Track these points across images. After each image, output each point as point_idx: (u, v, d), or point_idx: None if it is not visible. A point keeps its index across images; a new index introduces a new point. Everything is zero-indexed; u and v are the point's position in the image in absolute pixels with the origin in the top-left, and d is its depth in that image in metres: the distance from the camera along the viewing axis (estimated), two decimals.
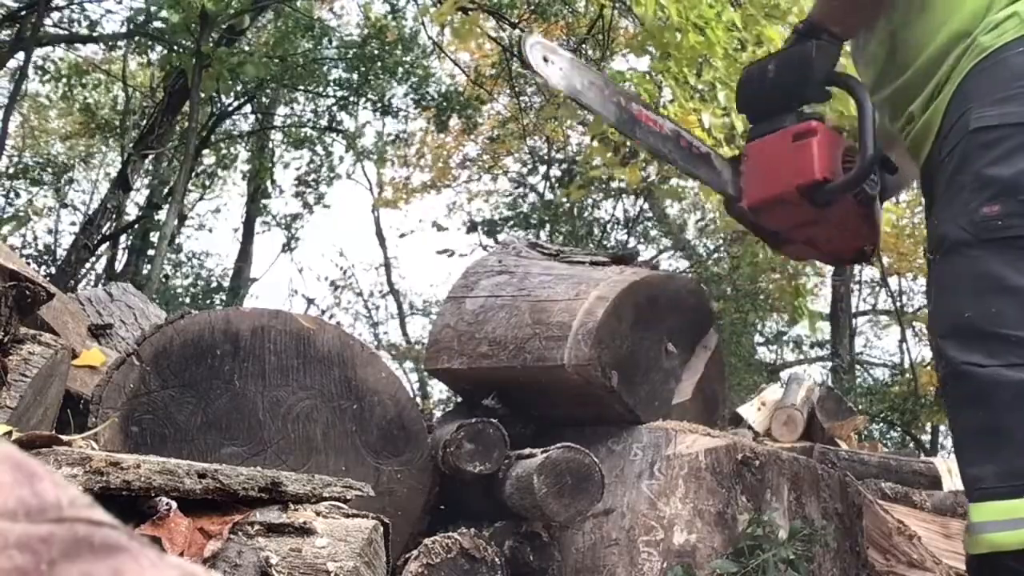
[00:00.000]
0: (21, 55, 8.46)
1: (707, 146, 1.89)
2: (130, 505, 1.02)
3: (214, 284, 13.92)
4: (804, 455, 2.26)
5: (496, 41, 9.80)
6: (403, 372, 14.05)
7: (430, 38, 10.57)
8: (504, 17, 8.64)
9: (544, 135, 12.79)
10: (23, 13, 8.83)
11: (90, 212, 11.13)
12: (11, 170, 11.75)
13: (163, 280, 11.91)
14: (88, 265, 10.80)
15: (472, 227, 14.04)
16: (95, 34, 10.19)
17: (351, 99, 12.18)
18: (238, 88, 10.66)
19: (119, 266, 11.07)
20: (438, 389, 13.01)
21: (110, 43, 10.79)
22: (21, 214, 11.82)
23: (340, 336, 1.75)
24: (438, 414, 2.74)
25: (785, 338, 14.85)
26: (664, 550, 1.67)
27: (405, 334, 16.14)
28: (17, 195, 12.01)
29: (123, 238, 11.04)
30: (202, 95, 8.40)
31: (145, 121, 10.56)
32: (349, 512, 1.14)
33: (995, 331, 1.35)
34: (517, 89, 10.61)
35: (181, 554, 0.98)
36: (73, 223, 13.03)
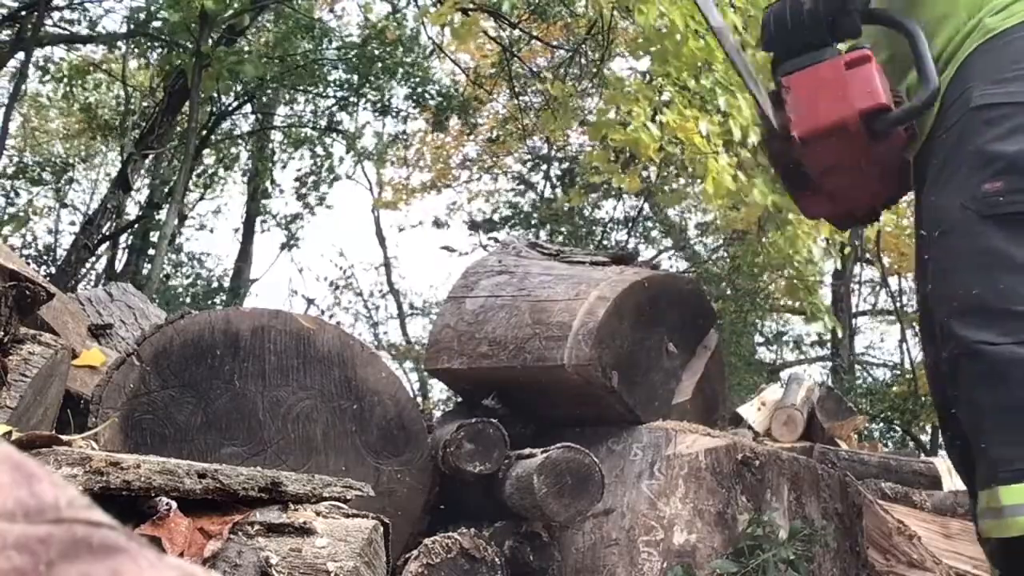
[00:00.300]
0: (21, 55, 8.46)
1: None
2: (130, 505, 1.02)
3: (214, 284, 13.92)
4: (804, 455, 2.26)
5: (496, 41, 9.81)
6: (403, 372, 14.05)
7: (430, 38, 10.58)
8: (503, 17, 8.64)
9: (544, 135, 12.80)
10: (23, 13, 8.83)
11: (90, 212, 11.13)
12: (11, 170, 11.75)
13: (163, 280, 11.91)
14: (88, 265, 10.80)
15: (473, 225, 14.05)
16: (95, 34, 10.20)
17: (351, 99, 12.18)
18: (238, 88, 10.66)
19: (119, 266, 11.07)
20: (438, 389, 13.02)
21: (110, 43, 10.79)
22: (21, 214, 11.82)
23: (340, 336, 1.75)
24: (438, 414, 2.74)
25: (785, 338, 14.85)
26: (664, 550, 1.67)
27: (405, 334, 16.14)
28: (17, 195, 12.02)
29: (123, 238, 11.04)
30: (202, 95, 8.40)
31: (145, 121, 10.56)
32: (349, 512, 1.14)
33: (1007, 308, 1.33)
34: (517, 89, 10.61)
35: (181, 554, 0.98)
36: (73, 223, 13.03)
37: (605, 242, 12.99)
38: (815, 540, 1.71)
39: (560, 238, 12.33)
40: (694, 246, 14.38)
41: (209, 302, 12.64)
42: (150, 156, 10.18)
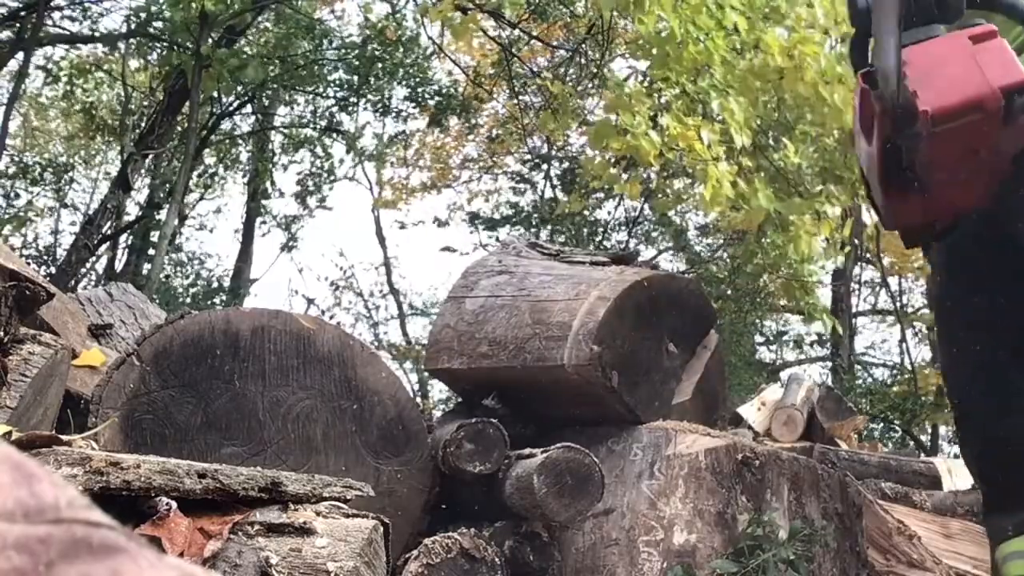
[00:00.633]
0: (21, 55, 8.46)
1: None
2: (130, 505, 1.02)
3: (214, 284, 13.92)
4: (804, 455, 2.26)
5: (495, 41, 9.80)
6: (403, 372, 14.04)
7: (430, 38, 10.58)
8: (503, 17, 8.65)
9: (544, 135, 12.80)
10: (23, 13, 8.83)
11: (90, 212, 11.14)
12: (11, 170, 11.76)
13: (163, 280, 11.92)
14: (88, 265, 10.81)
15: (474, 218, 14.05)
16: (95, 34, 10.20)
17: (351, 100, 12.18)
18: (238, 89, 10.66)
19: (119, 266, 11.08)
20: (438, 389, 13.01)
21: (111, 44, 10.79)
22: (21, 214, 11.82)
23: (340, 336, 1.75)
24: (438, 414, 2.74)
25: (785, 338, 14.85)
26: (664, 550, 1.67)
27: (405, 334, 16.13)
28: (17, 195, 12.02)
29: (123, 238, 11.05)
30: (202, 95, 8.40)
31: (145, 121, 10.57)
32: (349, 512, 1.14)
33: None
34: (516, 89, 10.61)
35: (181, 554, 0.98)
36: (73, 223, 13.03)
37: (606, 242, 13.00)
38: (815, 540, 1.71)
39: (561, 238, 12.33)
40: (694, 247, 14.38)
41: (209, 302, 12.64)
42: (150, 156, 10.18)
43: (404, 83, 11.82)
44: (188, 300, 12.59)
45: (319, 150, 12.98)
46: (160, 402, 1.58)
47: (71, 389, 1.84)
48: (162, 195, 11.12)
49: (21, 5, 8.95)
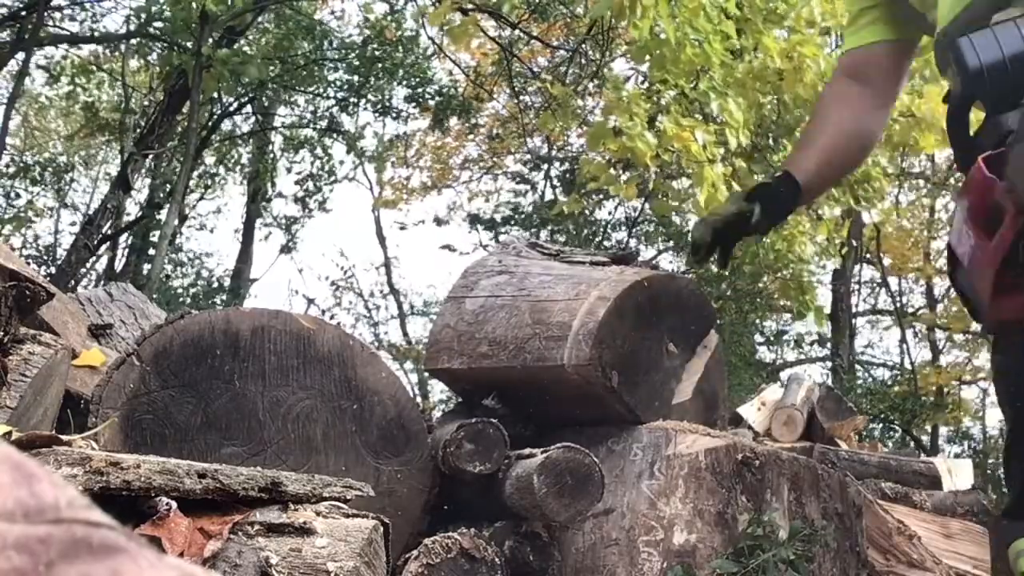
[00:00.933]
0: (21, 55, 8.46)
1: None
2: (130, 505, 1.02)
3: (214, 284, 13.93)
4: (804, 455, 2.26)
5: (495, 41, 9.80)
6: (403, 372, 14.06)
7: (430, 39, 10.58)
8: (503, 17, 8.64)
9: (544, 135, 12.80)
10: (23, 13, 8.83)
11: (90, 212, 11.14)
12: (11, 170, 11.75)
13: (163, 280, 11.91)
14: (88, 265, 10.81)
15: (474, 219, 14.04)
16: (96, 34, 10.20)
17: (351, 100, 12.18)
18: (239, 89, 10.67)
19: (119, 266, 11.08)
20: (438, 389, 13.01)
21: (112, 44, 10.79)
22: (21, 214, 11.82)
23: (340, 336, 1.74)
24: (438, 414, 2.74)
25: (785, 338, 14.85)
26: (664, 550, 1.67)
27: (405, 334, 16.14)
28: (17, 195, 12.01)
29: (123, 238, 11.05)
30: (202, 95, 8.40)
31: (145, 121, 10.57)
32: (349, 512, 1.14)
33: None
34: (517, 88, 10.61)
35: (181, 554, 0.98)
36: (73, 223, 13.04)
37: (606, 242, 13.00)
38: (815, 540, 1.71)
39: (561, 238, 12.33)
40: None
41: (209, 302, 12.64)
42: (150, 156, 10.18)
43: (404, 83, 11.82)
44: (188, 300, 12.60)
45: (319, 151, 12.98)
46: (160, 402, 1.58)
47: (71, 389, 1.84)
48: (162, 195, 11.12)
49: (21, 5, 8.95)
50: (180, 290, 13.33)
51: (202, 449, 1.58)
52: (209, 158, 12.67)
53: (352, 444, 1.70)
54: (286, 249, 14.66)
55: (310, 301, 15.20)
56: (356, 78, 11.64)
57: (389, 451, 1.73)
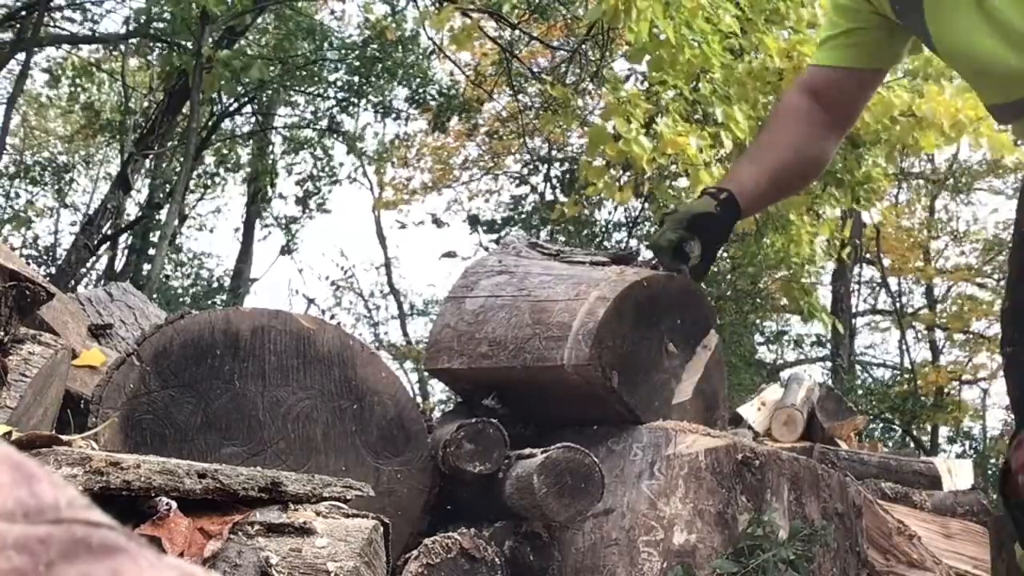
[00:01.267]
0: (21, 55, 8.46)
1: None
2: (130, 505, 1.02)
3: (214, 284, 13.93)
4: (804, 455, 2.26)
5: (495, 42, 9.80)
6: (403, 372, 14.05)
7: (430, 39, 10.57)
8: (503, 18, 8.64)
9: (544, 135, 12.79)
10: (23, 13, 8.83)
11: (90, 212, 11.14)
12: (11, 170, 11.76)
13: (163, 280, 11.92)
14: (88, 265, 10.81)
15: (474, 220, 14.03)
16: (96, 35, 10.20)
17: (352, 101, 12.17)
18: (239, 89, 10.66)
19: (119, 266, 11.08)
20: (438, 389, 13.02)
21: (112, 44, 10.79)
22: (21, 214, 11.82)
23: (340, 336, 1.74)
24: (438, 414, 2.73)
25: (785, 338, 14.85)
26: (664, 550, 1.67)
27: (405, 334, 16.14)
28: (17, 195, 12.02)
29: (123, 238, 11.05)
30: (202, 95, 8.40)
31: (146, 121, 10.57)
32: (349, 512, 1.14)
33: None
34: (516, 88, 10.60)
35: (181, 554, 0.98)
36: (73, 223, 13.04)
37: (606, 242, 12.99)
38: (815, 540, 1.71)
39: (561, 239, 12.32)
40: None
41: (209, 302, 12.64)
42: (150, 156, 10.18)
43: (405, 84, 11.82)
44: (188, 300, 12.60)
45: (319, 151, 12.97)
46: (160, 402, 1.58)
47: (71, 389, 1.84)
48: (162, 195, 11.12)
49: (21, 5, 8.95)
50: (180, 290, 13.34)
51: (202, 449, 1.58)
52: (209, 158, 12.66)
53: (352, 444, 1.70)
54: (286, 250, 14.66)
55: (310, 301, 15.21)
56: (356, 79, 11.64)
57: (389, 451, 1.73)
